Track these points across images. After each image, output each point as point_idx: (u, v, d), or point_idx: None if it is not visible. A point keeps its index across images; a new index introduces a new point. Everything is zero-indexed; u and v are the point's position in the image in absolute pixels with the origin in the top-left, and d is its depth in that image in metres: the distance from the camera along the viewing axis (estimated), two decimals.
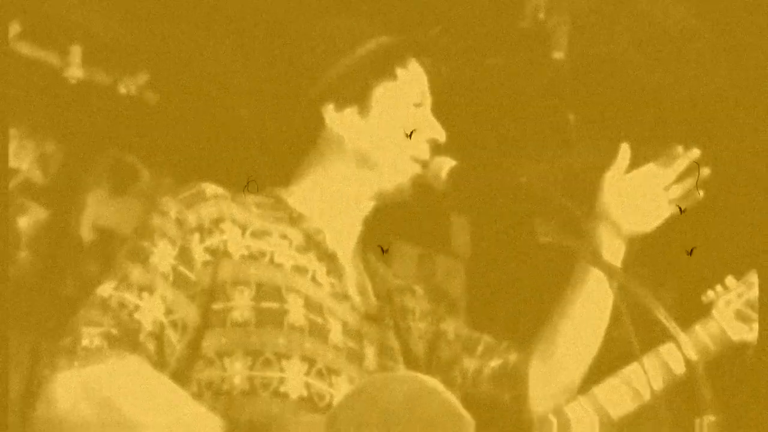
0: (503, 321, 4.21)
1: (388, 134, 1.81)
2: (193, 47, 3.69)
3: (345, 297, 1.73)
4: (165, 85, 3.80)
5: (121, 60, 3.69)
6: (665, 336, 1.48)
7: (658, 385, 1.71)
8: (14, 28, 3.46)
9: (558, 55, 3.30)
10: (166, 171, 3.87)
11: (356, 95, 1.81)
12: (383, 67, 1.83)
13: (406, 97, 1.84)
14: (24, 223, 3.54)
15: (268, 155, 1.96)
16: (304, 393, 1.57)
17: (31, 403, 1.53)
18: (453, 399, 1.47)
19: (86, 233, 3.69)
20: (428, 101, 1.89)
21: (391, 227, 1.90)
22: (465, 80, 1.90)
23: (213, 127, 3.86)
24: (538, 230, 1.60)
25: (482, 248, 4.56)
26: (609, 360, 1.80)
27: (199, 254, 1.61)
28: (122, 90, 3.70)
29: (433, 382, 1.49)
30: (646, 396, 1.72)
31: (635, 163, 1.88)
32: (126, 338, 1.50)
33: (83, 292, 3.50)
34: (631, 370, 1.75)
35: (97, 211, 3.73)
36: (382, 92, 1.83)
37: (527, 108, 3.80)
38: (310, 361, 1.59)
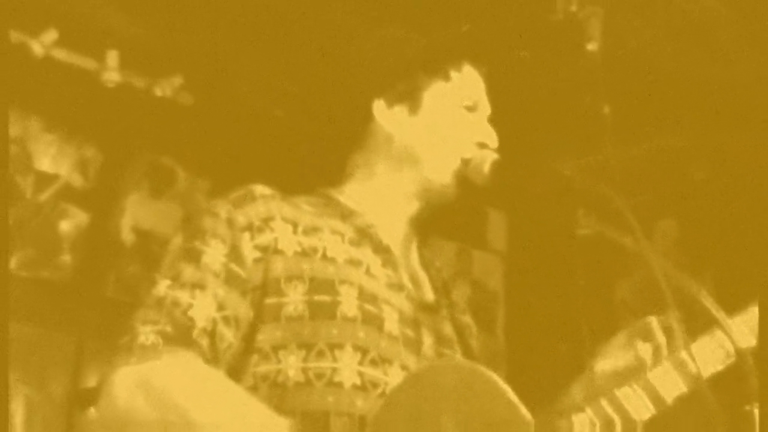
0: (544, 315, 4.21)
1: (436, 134, 1.81)
2: (226, 49, 3.71)
3: (401, 287, 1.75)
4: (200, 87, 3.84)
5: (157, 63, 3.73)
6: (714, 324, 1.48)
7: (710, 369, 1.67)
8: (52, 35, 3.51)
9: (591, 46, 3.29)
10: (203, 172, 3.90)
11: (407, 93, 1.83)
12: (437, 67, 1.84)
13: (457, 99, 1.84)
14: (65, 226, 3.59)
15: (308, 154, 1.97)
16: (358, 381, 1.58)
17: (77, 402, 1.56)
18: (510, 391, 1.46)
19: (126, 236, 3.73)
20: (485, 108, 1.88)
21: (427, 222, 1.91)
22: (497, 74, 1.89)
23: (248, 128, 3.89)
24: (581, 222, 1.60)
25: (522, 243, 4.54)
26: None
27: (249, 252, 1.63)
28: (158, 92, 3.74)
29: (488, 372, 1.49)
30: (698, 379, 1.67)
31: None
32: (180, 335, 1.54)
33: (125, 293, 3.56)
34: (684, 354, 1.71)
35: (137, 213, 3.77)
36: (433, 92, 1.84)
37: (561, 101, 3.79)
38: (362, 350, 1.61)
